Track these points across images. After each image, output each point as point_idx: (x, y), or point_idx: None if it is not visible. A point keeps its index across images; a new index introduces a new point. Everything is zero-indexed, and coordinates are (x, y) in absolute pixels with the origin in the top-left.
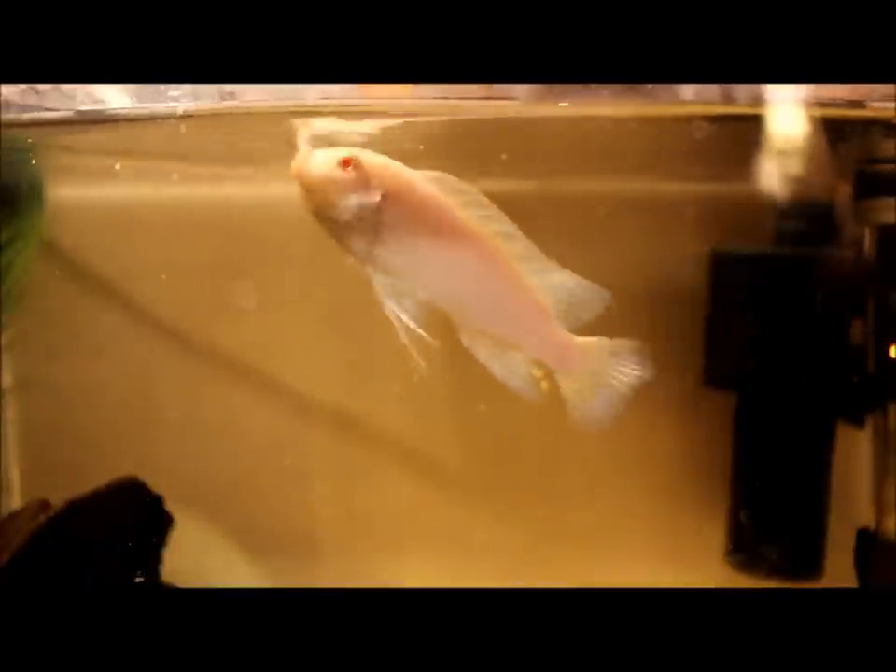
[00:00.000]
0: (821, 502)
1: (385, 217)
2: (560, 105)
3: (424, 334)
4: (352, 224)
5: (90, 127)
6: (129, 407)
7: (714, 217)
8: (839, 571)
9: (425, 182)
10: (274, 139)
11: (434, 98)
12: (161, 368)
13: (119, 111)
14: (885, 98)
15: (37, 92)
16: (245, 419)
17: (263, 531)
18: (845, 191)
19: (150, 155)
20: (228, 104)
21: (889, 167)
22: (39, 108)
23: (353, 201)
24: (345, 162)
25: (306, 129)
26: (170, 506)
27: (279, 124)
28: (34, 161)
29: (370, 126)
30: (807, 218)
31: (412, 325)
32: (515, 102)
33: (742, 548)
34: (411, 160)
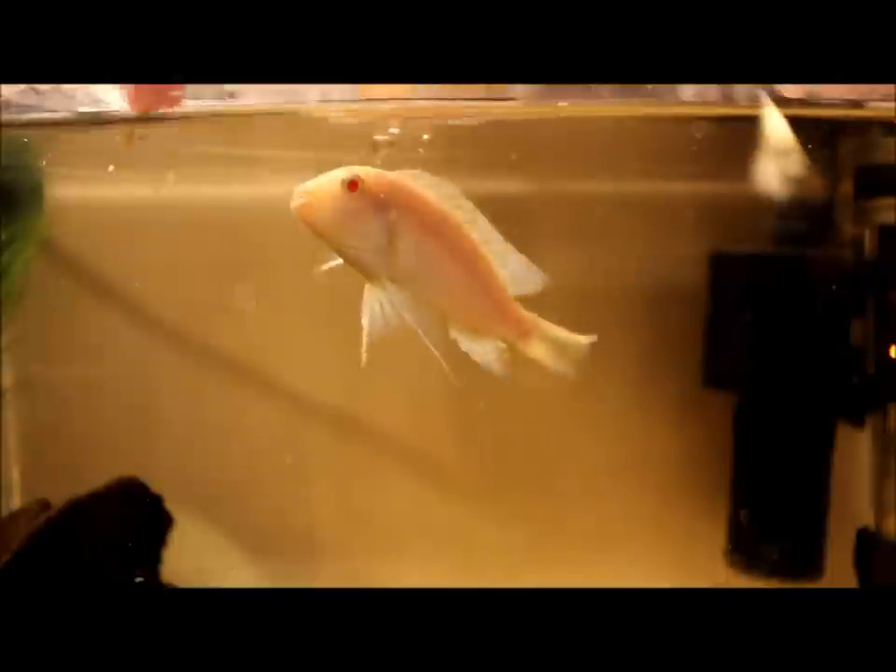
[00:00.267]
0: (821, 502)
1: (399, 231)
2: (560, 104)
3: (435, 344)
4: (369, 244)
5: (89, 127)
6: (129, 407)
7: (714, 218)
8: (839, 571)
9: (419, 186)
10: (275, 139)
11: (433, 99)
12: (161, 368)
13: (119, 112)
14: (885, 98)
15: (37, 92)
16: (246, 419)
17: (263, 531)
18: (845, 191)
19: (150, 155)
20: (228, 104)
21: (889, 167)
22: (39, 108)
23: (365, 222)
24: (351, 186)
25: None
26: (170, 506)
27: (280, 124)
28: (33, 162)
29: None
30: (807, 218)
31: (431, 337)
32: (515, 103)
33: (742, 548)
34: (410, 161)
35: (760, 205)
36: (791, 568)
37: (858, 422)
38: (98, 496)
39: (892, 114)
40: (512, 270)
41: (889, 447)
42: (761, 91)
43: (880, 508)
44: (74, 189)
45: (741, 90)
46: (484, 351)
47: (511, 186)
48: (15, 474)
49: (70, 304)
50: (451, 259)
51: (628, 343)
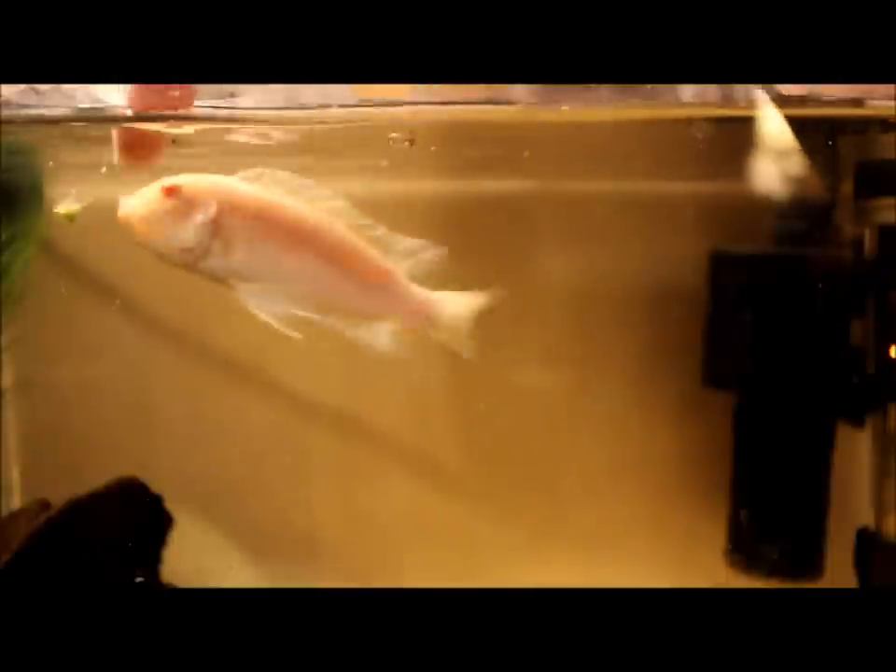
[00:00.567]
0: (821, 502)
1: (227, 230)
2: (560, 105)
3: (294, 333)
4: (197, 248)
5: (89, 127)
6: (129, 407)
7: (714, 218)
8: (839, 571)
9: (249, 184)
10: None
11: (433, 101)
12: (161, 368)
13: (118, 112)
14: (885, 97)
15: (37, 92)
16: (246, 419)
17: (263, 531)
18: (845, 191)
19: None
20: (229, 104)
21: (890, 166)
22: (39, 108)
23: (187, 226)
24: (168, 192)
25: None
26: (170, 506)
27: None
28: (33, 162)
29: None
30: (807, 218)
31: (284, 327)
32: (515, 104)
33: (742, 548)
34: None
35: (760, 205)
36: (791, 568)
37: (858, 422)
38: (98, 496)
39: (892, 113)
40: (402, 250)
41: (889, 447)
42: (760, 91)
43: (880, 508)
44: (73, 189)
45: (741, 90)
46: (374, 335)
47: (510, 186)
48: (15, 474)
49: (70, 304)
50: (297, 251)
51: (628, 343)
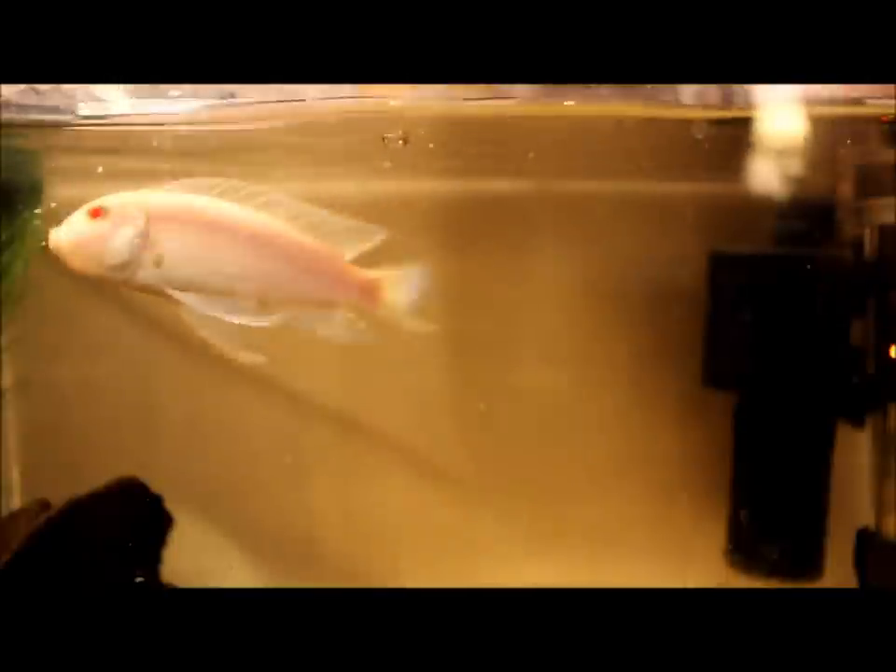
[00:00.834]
0: (821, 502)
1: (160, 242)
2: (563, 104)
3: (255, 357)
4: (132, 263)
5: (89, 127)
6: (129, 407)
7: (714, 218)
8: (839, 571)
9: (180, 192)
10: (275, 140)
11: (432, 98)
12: (161, 368)
13: (118, 112)
14: (885, 96)
15: (37, 92)
16: (246, 419)
17: (263, 531)
18: (845, 191)
19: (150, 154)
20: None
21: (890, 166)
22: (39, 108)
23: (116, 243)
24: (94, 213)
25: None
26: (170, 506)
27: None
28: (33, 162)
29: None
30: (807, 218)
31: (237, 350)
32: (514, 101)
33: (742, 548)
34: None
35: (760, 205)
36: (790, 568)
37: (858, 422)
38: (98, 496)
39: (892, 112)
40: (343, 231)
41: (889, 447)
42: (760, 91)
43: (880, 508)
44: (73, 189)
45: (741, 90)
46: (328, 324)
47: (511, 186)
48: (15, 474)
49: (70, 304)
50: (235, 251)
51: (628, 343)
